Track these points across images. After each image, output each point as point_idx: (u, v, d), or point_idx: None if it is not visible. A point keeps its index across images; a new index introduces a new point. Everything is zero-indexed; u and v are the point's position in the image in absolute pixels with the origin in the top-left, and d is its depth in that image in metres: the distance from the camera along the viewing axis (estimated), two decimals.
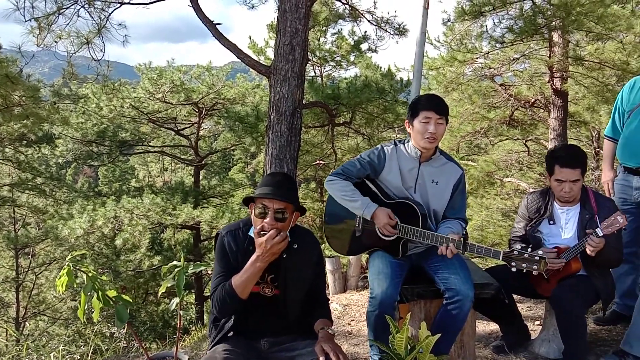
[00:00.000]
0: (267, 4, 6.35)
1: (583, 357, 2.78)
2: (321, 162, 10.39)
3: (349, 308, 4.03)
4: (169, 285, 2.58)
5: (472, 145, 14.11)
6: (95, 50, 5.54)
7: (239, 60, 4.97)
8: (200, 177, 14.59)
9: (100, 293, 2.36)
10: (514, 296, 3.26)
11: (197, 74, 12.45)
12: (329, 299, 2.45)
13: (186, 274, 2.56)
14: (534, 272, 2.40)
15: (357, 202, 2.66)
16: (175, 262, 2.55)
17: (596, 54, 8.78)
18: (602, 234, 2.65)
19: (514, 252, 2.43)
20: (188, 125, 14.05)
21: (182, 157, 15.82)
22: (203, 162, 14.22)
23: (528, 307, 4.03)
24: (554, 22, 7.80)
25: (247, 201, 2.18)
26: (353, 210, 2.70)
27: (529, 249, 2.42)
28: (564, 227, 2.93)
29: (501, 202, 12.66)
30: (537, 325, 3.55)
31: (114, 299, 2.38)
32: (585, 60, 8.74)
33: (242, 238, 2.21)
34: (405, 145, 2.76)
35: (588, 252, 2.70)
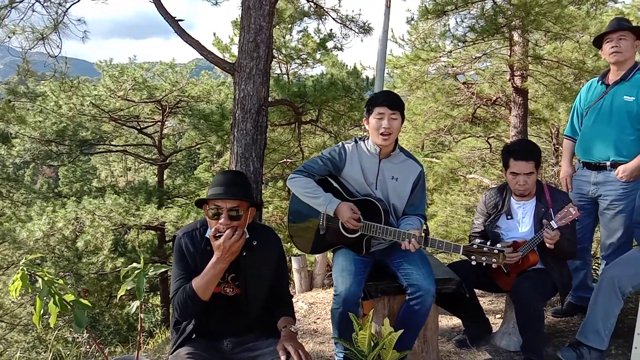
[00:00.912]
0: (232, 1, 6.29)
1: (541, 348, 2.86)
2: (288, 160, 10.36)
3: (315, 306, 4.03)
4: (128, 287, 2.52)
5: (437, 142, 14.35)
6: (51, 46, 5.36)
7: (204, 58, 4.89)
8: (165, 177, 14.36)
9: (56, 297, 2.28)
10: (476, 290, 3.33)
11: (160, 71, 12.22)
12: (292, 296, 2.43)
13: (147, 276, 2.51)
14: (493, 265, 2.45)
15: (319, 198, 2.66)
16: (135, 264, 2.49)
17: (554, 53, 9.05)
18: (556, 226, 2.72)
19: (474, 246, 2.48)
20: (151, 124, 13.78)
21: (146, 156, 15.54)
22: (167, 161, 13.99)
23: (490, 301, 4.12)
24: (514, 22, 7.99)
25: (200, 203, 2.14)
26: (316, 206, 2.70)
27: (488, 243, 2.47)
28: (521, 222, 3.01)
29: (465, 198, 12.91)
30: (499, 318, 3.63)
31: (72, 303, 2.31)
32: (544, 59, 8.99)
33: (199, 239, 2.17)
34: (365, 142, 2.79)
35: (546, 244, 2.77)
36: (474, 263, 2.48)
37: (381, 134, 2.63)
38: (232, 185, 2.09)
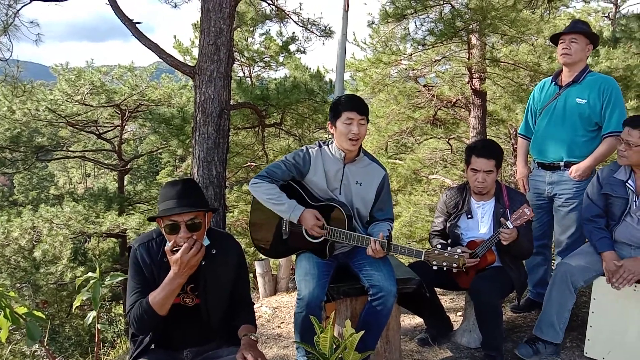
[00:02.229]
0: (191, 3, 6.21)
1: (500, 344, 2.93)
2: (252, 163, 10.29)
3: (279, 310, 4.01)
4: (84, 298, 2.45)
5: (399, 144, 14.53)
6: (2, 49, 5.17)
7: None
8: (125, 183, 14.02)
9: (7, 311, 2.19)
10: (437, 289, 3.39)
11: (119, 75, 11.95)
12: (253, 303, 2.41)
13: (102, 285, 2.45)
14: (454, 270, 2.50)
15: (283, 205, 2.64)
16: (90, 274, 2.42)
17: (511, 55, 9.32)
18: (512, 226, 2.80)
19: (435, 251, 2.52)
20: (110, 129, 13.44)
21: (105, 162, 15.15)
22: (128, 167, 13.67)
23: (451, 299, 4.20)
24: (471, 26, 8.18)
25: (154, 218, 2.06)
26: (279, 213, 2.68)
27: (449, 248, 2.51)
28: (481, 221, 3.08)
29: (428, 198, 13.12)
30: (459, 316, 3.70)
31: (24, 316, 2.22)
32: (501, 62, 9.24)
33: (155, 250, 2.09)
34: (330, 146, 2.77)
35: (503, 242, 2.85)
36: (435, 268, 2.52)
37: (350, 139, 2.62)
38: (184, 196, 2.01)
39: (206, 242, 2.11)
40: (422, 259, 2.53)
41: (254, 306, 4.09)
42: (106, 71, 11.98)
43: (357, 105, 2.63)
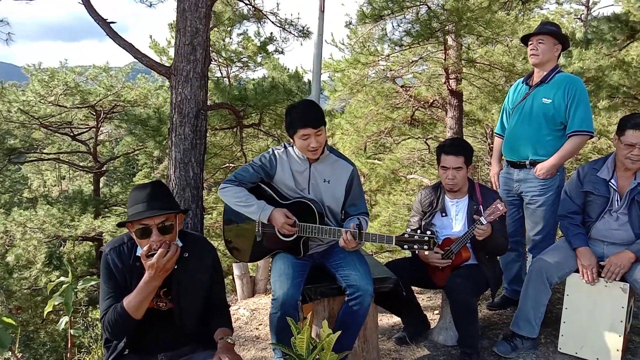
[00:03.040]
0: (167, 3, 6.16)
1: (475, 341, 2.96)
2: (231, 164, 10.22)
3: (257, 312, 3.99)
4: (56, 303, 2.40)
5: (378, 144, 14.61)
6: None
7: None
8: (101, 185, 13.80)
9: None
10: (414, 288, 3.41)
11: (93, 75, 11.75)
12: (230, 306, 2.38)
13: (75, 289, 2.40)
14: (426, 252, 2.50)
15: (252, 206, 2.63)
16: (62, 278, 2.38)
17: (486, 56, 9.45)
18: (485, 222, 2.84)
19: (405, 235, 2.53)
20: (85, 130, 13.22)
21: (81, 164, 14.88)
22: (103, 169, 13.45)
23: (428, 297, 4.23)
24: (447, 27, 8.27)
25: (124, 224, 2.03)
26: (249, 215, 2.67)
27: (418, 231, 2.52)
28: (455, 219, 3.12)
29: (407, 197, 13.22)
30: (436, 314, 3.73)
31: None
32: (477, 63, 9.36)
33: (127, 254, 2.05)
34: (294, 148, 2.76)
35: (477, 238, 2.88)
36: (407, 252, 2.52)
37: (310, 151, 2.62)
38: (154, 199, 1.98)
39: (179, 244, 2.08)
40: (393, 244, 2.53)
41: (232, 308, 4.08)
42: (80, 71, 11.77)
43: (310, 120, 2.55)
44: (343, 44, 10.68)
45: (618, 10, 10.79)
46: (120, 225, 2.07)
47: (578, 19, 19.00)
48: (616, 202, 2.93)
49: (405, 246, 2.52)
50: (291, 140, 2.70)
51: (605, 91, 8.75)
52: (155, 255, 1.89)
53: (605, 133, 11.09)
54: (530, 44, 3.35)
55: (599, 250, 2.99)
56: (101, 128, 12.85)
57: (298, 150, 2.70)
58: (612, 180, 2.94)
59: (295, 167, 2.74)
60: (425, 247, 2.48)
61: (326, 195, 2.75)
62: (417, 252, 2.52)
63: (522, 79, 3.58)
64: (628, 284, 2.83)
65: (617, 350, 2.86)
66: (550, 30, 3.33)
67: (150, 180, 2.15)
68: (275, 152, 2.77)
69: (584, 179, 3.05)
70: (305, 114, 2.58)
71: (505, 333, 3.20)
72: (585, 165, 3.12)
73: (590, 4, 19.07)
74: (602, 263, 2.92)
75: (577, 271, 2.97)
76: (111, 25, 4.76)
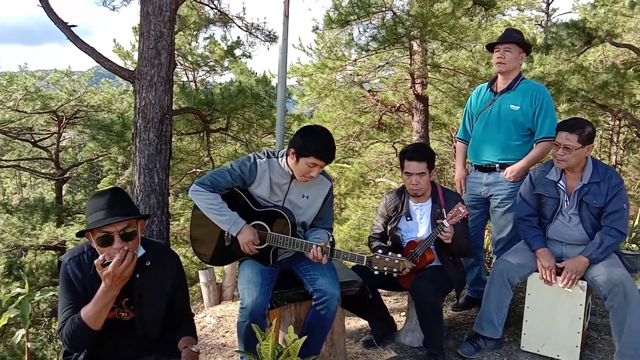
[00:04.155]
0: (131, 6, 6.05)
1: (441, 342, 3.00)
2: (198, 170, 10.10)
3: (224, 319, 3.94)
4: (11, 315, 2.32)
5: (347, 148, 14.69)
6: None
7: None
8: (64, 192, 13.42)
9: None
10: (381, 290, 3.43)
11: (55, 80, 11.44)
12: (193, 314, 2.35)
13: (33, 301, 2.33)
14: (394, 275, 2.53)
15: (224, 216, 2.60)
16: (18, 290, 2.31)
17: (450, 61, 9.64)
18: (448, 224, 2.89)
19: (376, 256, 2.55)
20: (47, 136, 12.85)
21: (42, 171, 14.44)
22: (66, 176, 13.09)
23: (395, 299, 4.27)
24: (412, 32, 8.40)
25: (83, 233, 1.97)
26: (219, 223, 2.64)
27: (389, 253, 2.54)
28: (419, 222, 3.16)
29: (375, 201, 13.32)
30: (403, 316, 3.76)
31: None
32: (442, 67, 9.54)
33: (87, 263, 1.99)
34: (279, 159, 2.72)
35: (444, 241, 2.92)
36: (376, 273, 2.55)
37: (305, 177, 2.62)
38: (114, 205, 1.93)
39: (141, 251, 2.04)
40: (364, 264, 2.55)
41: (198, 316, 4.02)
42: (41, 76, 11.45)
43: (328, 156, 2.58)
44: (310, 48, 10.72)
45: (575, 17, 11.17)
46: (79, 234, 2.01)
47: (539, 25, 19.60)
48: (566, 203, 3.03)
49: (376, 267, 2.54)
50: (290, 158, 2.63)
51: (565, 95, 9.04)
52: (111, 264, 1.84)
53: None
54: (497, 52, 3.42)
55: (557, 251, 3.08)
56: (63, 134, 12.51)
57: (287, 165, 2.67)
58: (561, 182, 3.04)
59: (276, 179, 2.70)
60: (395, 270, 2.50)
61: (303, 210, 2.75)
62: (385, 274, 2.53)
63: (485, 84, 3.66)
64: (585, 282, 2.92)
65: (577, 346, 2.95)
66: (517, 38, 3.41)
67: (108, 188, 2.09)
68: (257, 161, 2.70)
69: (535, 181, 3.14)
70: (327, 148, 2.58)
71: (469, 334, 3.26)
72: (536, 168, 3.22)
73: (549, 11, 19.69)
74: (559, 265, 3.00)
75: (537, 271, 3.05)
76: (72, 28, 4.65)
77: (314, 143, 2.54)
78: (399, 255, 2.52)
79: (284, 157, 2.70)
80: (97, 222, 1.90)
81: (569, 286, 2.92)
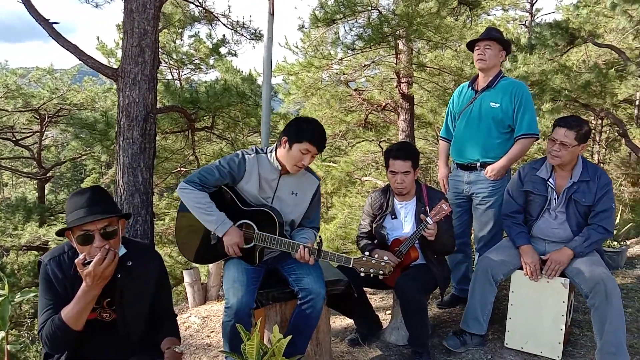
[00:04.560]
0: (114, 3, 5.98)
1: (425, 340, 3.02)
2: (182, 169, 10.02)
3: (209, 320, 3.92)
4: None
5: (333, 147, 14.70)
6: None
7: None
8: (46, 192, 13.23)
9: None
10: (366, 288, 3.44)
11: (37, 78, 11.25)
12: (176, 315, 2.32)
13: (13, 302, 2.29)
14: (380, 277, 2.53)
15: (212, 216, 2.58)
16: None
17: (436, 60, 9.69)
18: (432, 222, 2.90)
19: (362, 258, 2.55)
20: (29, 135, 12.66)
21: (24, 170, 14.21)
22: (49, 175, 12.90)
23: (380, 298, 4.28)
24: (398, 31, 8.43)
25: (62, 232, 1.94)
26: (205, 223, 2.62)
27: (376, 255, 2.54)
28: (404, 221, 3.17)
29: (362, 200, 13.35)
30: (388, 314, 3.77)
31: None
32: (427, 67, 9.58)
33: (68, 263, 1.96)
34: (268, 155, 2.72)
35: (427, 237, 2.94)
36: (362, 275, 2.55)
37: (297, 166, 2.61)
38: (94, 204, 1.91)
39: (122, 251, 2.01)
40: (351, 266, 2.55)
41: (183, 316, 3.99)
42: (23, 74, 11.27)
43: (321, 141, 2.61)
44: (296, 47, 10.71)
45: (559, 17, 11.30)
46: (59, 233, 1.97)
47: (523, 25, 19.79)
48: (554, 201, 3.06)
49: (362, 269, 2.54)
50: (282, 147, 2.63)
51: (548, 94, 9.14)
52: (92, 263, 1.81)
53: (549, 134, 11.60)
54: (477, 49, 3.46)
55: (540, 248, 3.11)
56: (46, 132, 12.33)
57: (274, 157, 2.67)
58: (551, 180, 3.07)
59: (265, 175, 2.69)
60: (381, 272, 2.51)
61: (292, 207, 2.74)
62: (371, 276, 2.53)
63: (466, 83, 3.69)
64: (568, 280, 2.96)
65: (559, 343, 2.99)
66: (496, 36, 3.45)
67: (88, 187, 2.06)
68: (246, 156, 2.70)
69: (524, 178, 3.16)
70: (320, 134, 2.62)
71: (455, 330, 3.28)
72: (525, 165, 3.25)
73: (533, 11, 19.90)
74: (544, 258, 3.04)
75: (521, 268, 3.08)
76: (54, 25, 4.59)
77: (308, 130, 2.59)
78: (386, 258, 2.52)
79: (273, 153, 2.70)
80: (77, 220, 1.87)
81: (551, 277, 2.95)
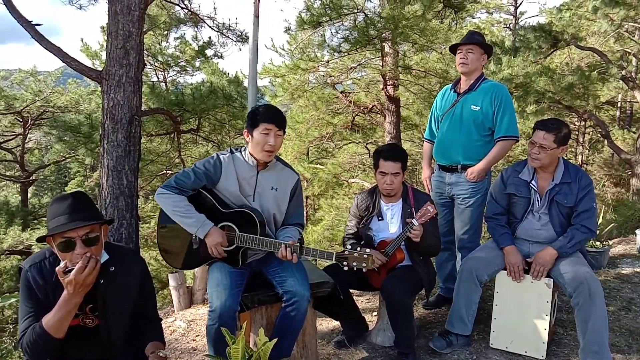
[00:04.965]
0: (99, 5, 5.93)
1: (411, 341, 3.03)
2: (168, 171, 9.95)
3: (194, 323, 3.89)
4: None
5: (320, 149, 14.74)
6: None
7: None
8: (30, 195, 13.04)
9: None
10: (353, 290, 3.44)
11: (19, 80, 11.10)
12: (161, 319, 2.30)
13: None
14: (364, 270, 2.54)
15: (191, 219, 2.57)
16: None
17: (421, 63, 9.75)
18: (417, 224, 2.92)
19: (345, 252, 2.56)
20: (11, 137, 12.47)
21: (7, 173, 14.00)
22: (32, 178, 12.73)
23: (367, 299, 4.29)
24: (384, 34, 8.47)
25: (44, 238, 1.91)
26: (186, 226, 2.60)
27: (359, 248, 2.55)
28: (390, 222, 3.19)
29: (349, 201, 13.38)
30: (375, 316, 3.78)
31: None
32: (413, 69, 9.64)
33: (49, 270, 1.92)
34: (243, 153, 2.74)
35: (412, 239, 2.95)
36: (346, 269, 2.56)
37: (265, 150, 2.61)
38: (76, 210, 1.88)
39: (105, 257, 1.98)
40: (333, 260, 2.56)
41: (168, 320, 3.96)
42: (5, 75, 11.14)
43: (275, 117, 2.62)
44: (283, 49, 10.72)
45: (542, 20, 11.45)
46: (40, 240, 1.94)
47: (507, 28, 20.02)
48: (537, 202, 3.10)
49: (345, 263, 2.54)
50: (246, 139, 2.67)
51: (532, 96, 9.25)
52: (73, 271, 1.78)
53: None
54: (460, 53, 3.50)
55: (524, 249, 3.14)
56: (29, 135, 12.16)
57: (248, 153, 2.69)
58: (533, 182, 3.10)
59: (242, 174, 2.70)
60: (364, 264, 2.51)
61: (273, 203, 2.74)
62: (355, 269, 2.54)
63: (450, 86, 3.73)
64: (552, 279, 2.99)
65: (543, 342, 3.02)
66: (478, 40, 3.49)
67: (70, 192, 2.03)
68: (221, 157, 2.71)
69: (507, 181, 3.20)
70: (271, 110, 2.66)
71: (440, 331, 3.29)
72: (508, 167, 3.28)
73: (518, 14, 20.14)
74: (528, 260, 3.07)
75: (505, 269, 3.11)
76: (37, 27, 4.53)
77: (260, 112, 2.64)
78: (368, 250, 2.53)
79: (247, 150, 2.72)
80: (59, 227, 1.84)
81: (538, 278, 2.98)
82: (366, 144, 12.55)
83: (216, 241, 2.56)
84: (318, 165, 13.45)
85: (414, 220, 2.91)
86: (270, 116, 2.61)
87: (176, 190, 2.60)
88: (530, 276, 3.03)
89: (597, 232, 5.12)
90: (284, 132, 2.69)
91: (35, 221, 11.54)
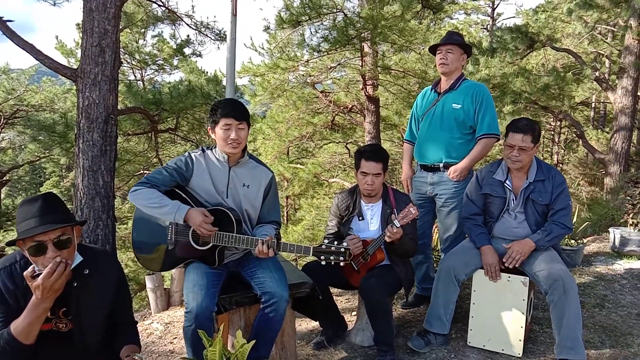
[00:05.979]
0: (74, 2, 5.83)
1: (391, 339, 3.04)
2: (146, 171, 9.82)
3: (172, 325, 3.84)
4: None
5: (300, 149, 14.71)
6: None
7: None
8: (3, 196, 12.74)
9: None
10: (333, 290, 3.43)
11: None
12: (136, 322, 2.26)
13: None
14: (341, 263, 2.54)
15: (166, 206, 2.53)
16: None
17: (400, 63, 9.81)
18: (399, 225, 2.93)
19: (322, 246, 2.56)
20: None
21: None
22: (5, 179, 12.42)
23: (346, 299, 4.29)
24: (363, 34, 8.50)
25: (14, 242, 1.85)
26: (163, 216, 2.57)
27: (335, 242, 2.55)
28: (370, 222, 3.19)
29: (329, 201, 13.40)
30: (354, 316, 3.78)
31: None
32: (392, 69, 9.69)
33: (20, 274, 1.85)
34: (213, 150, 2.74)
35: (386, 239, 2.96)
36: (323, 263, 2.56)
37: (230, 144, 2.60)
38: (46, 212, 1.82)
39: (78, 259, 1.94)
40: (311, 255, 2.55)
41: (145, 322, 3.90)
42: None
43: (234, 111, 2.61)
44: (262, 48, 10.65)
45: (519, 21, 11.63)
46: (9, 244, 1.89)
47: (484, 29, 20.29)
48: (512, 202, 3.14)
49: (322, 257, 2.54)
50: (212, 135, 2.67)
51: (509, 97, 9.39)
52: (41, 276, 1.72)
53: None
54: (439, 54, 3.52)
55: (501, 248, 3.18)
56: (2, 134, 11.87)
57: (218, 150, 2.68)
58: (507, 181, 3.14)
59: (214, 171, 2.69)
60: (341, 258, 2.52)
61: (245, 199, 2.72)
62: (332, 263, 2.54)
63: (430, 87, 3.75)
64: (528, 278, 3.03)
65: (520, 340, 3.06)
66: (457, 40, 3.52)
67: (40, 194, 1.98)
68: (192, 155, 2.71)
69: (482, 181, 3.23)
70: (229, 105, 2.64)
71: (419, 330, 3.31)
72: (482, 168, 3.32)
73: (495, 15, 20.42)
74: (504, 261, 3.11)
75: (482, 268, 3.14)
76: (9, 23, 4.43)
77: (218, 108, 2.64)
78: (345, 244, 2.53)
79: (216, 147, 2.72)
80: (29, 230, 1.78)
81: (512, 266, 3.00)
82: (346, 144, 12.58)
83: (199, 220, 2.51)
84: (298, 165, 13.43)
85: (395, 221, 2.92)
86: (228, 111, 2.60)
87: (148, 185, 2.58)
88: (506, 275, 3.06)
89: (572, 229, 5.23)
90: (248, 124, 2.69)
91: (9, 222, 11.27)
